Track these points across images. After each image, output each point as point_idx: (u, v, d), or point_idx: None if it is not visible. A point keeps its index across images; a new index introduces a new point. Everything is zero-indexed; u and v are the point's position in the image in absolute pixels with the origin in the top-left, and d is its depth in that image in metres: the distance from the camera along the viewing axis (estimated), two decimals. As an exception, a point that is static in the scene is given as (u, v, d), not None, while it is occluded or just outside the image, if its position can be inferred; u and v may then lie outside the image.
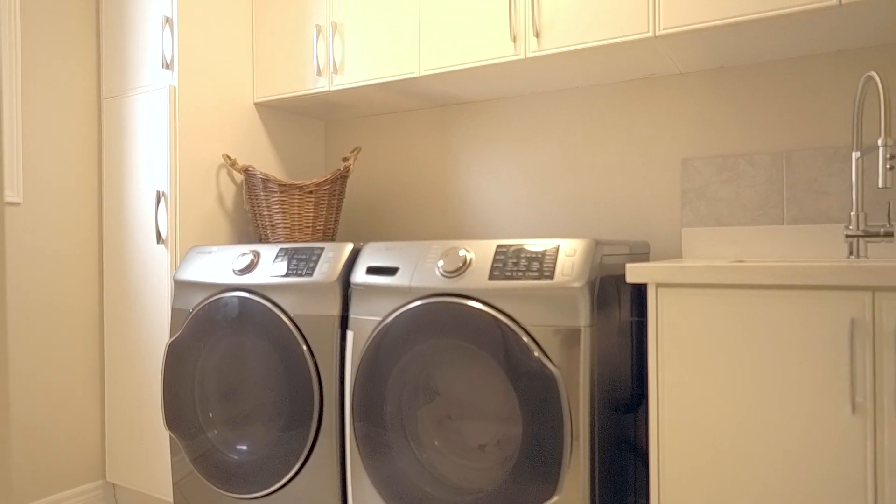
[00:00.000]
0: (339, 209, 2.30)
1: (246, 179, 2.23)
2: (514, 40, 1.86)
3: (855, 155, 1.66)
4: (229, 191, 2.28)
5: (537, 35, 1.83)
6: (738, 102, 1.93)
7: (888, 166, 1.47)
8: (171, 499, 2.13)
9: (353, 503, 1.70)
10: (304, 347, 1.75)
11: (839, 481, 1.22)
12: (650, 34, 1.68)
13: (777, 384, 1.27)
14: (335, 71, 2.18)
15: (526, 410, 1.44)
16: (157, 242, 2.13)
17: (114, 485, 2.34)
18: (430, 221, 2.47)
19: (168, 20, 2.11)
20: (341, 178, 2.25)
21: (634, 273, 1.41)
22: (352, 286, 1.73)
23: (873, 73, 1.51)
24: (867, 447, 1.20)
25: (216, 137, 2.23)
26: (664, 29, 1.66)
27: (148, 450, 2.16)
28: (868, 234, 1.62)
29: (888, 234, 1.60)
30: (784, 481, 1.27)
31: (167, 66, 2.11)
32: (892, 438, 1.18)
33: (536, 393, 1.42)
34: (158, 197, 2.11)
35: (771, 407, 1.28)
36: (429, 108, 2.47)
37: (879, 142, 1.48)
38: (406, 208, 2.52)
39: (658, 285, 1.39)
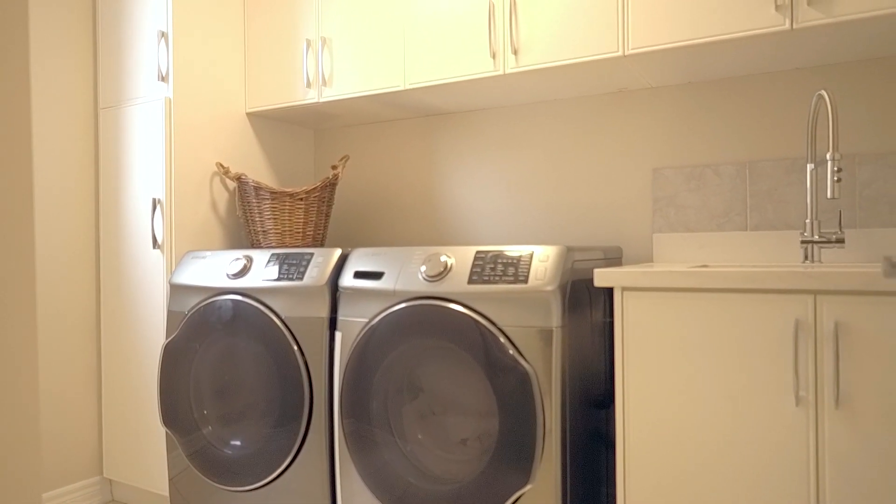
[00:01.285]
0: (328, 215, 2.40)
1: (238, 187, 2.33)
2: (494, 57, 1.97)
3: (809, 167, 1.78)
4: (222, 198, 2.37)
5: (515, 52, 1.94)
6: (705, 116, 2.05)
7: (836, 178, 1.59)
8: (166, 493, 2.22)
9: (342, 494, 1.80)
10: (295, 348, 1.85)
11: (786, 466, 1.34)
12: (619, 53, 1.80)
13: (730, 380, 1.39)
14: (324, 83, 2.28)
15: (502, 405, 1.55)
16: (154, 247, 2.22)
17: (110, 480, 2.42)
18: (415, 227, 2.58)
19: (164, 35, 2.20)
20: (330, 185, 2.35)
21: (602, 278, 1.52)
22: (340, 289, 1.83)
23: (823, 92, 1.63)
24: (809, 436, 1.32)
25: (210, 146, 2.32)
26: (632, 49, 1.78)
27: (144, 446, 2.25)
28: (821, 241, 1.75)
29: (839, 241, 1.72)
30: (738, 468, 1.38)
31: (162, 79, 2.21)
32: (831, 428, 1.30)
33: (512, 389, 1.53)
34: (154, 204, 2.20)
35: (725, 400, 1.39)
36: (413, 118, 2.57)
37: (828, 156, 1.60)
38: (392, 214, 2.63)
39: (623, 289, 1.51)
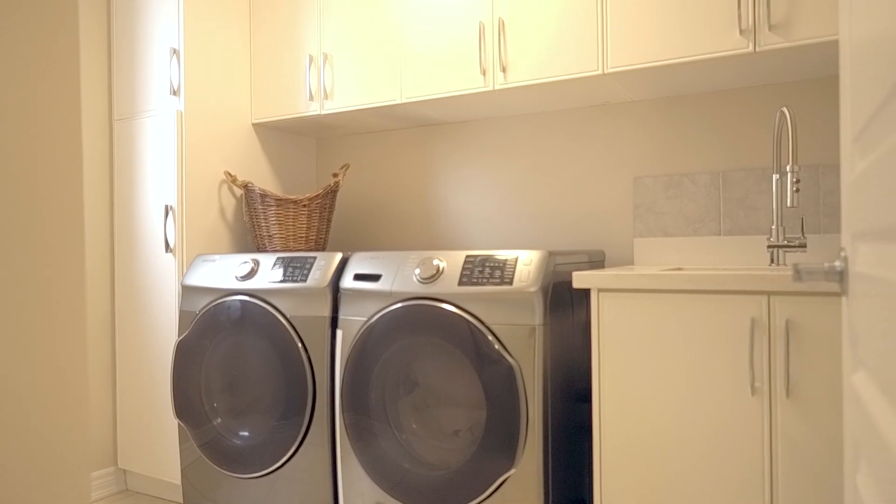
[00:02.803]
0: (329, 221, 2.55)
1: (245, 194, 2.47)
2: (484, 74, 2.12)
3: (774, 177, 1.92)
4: (230, 204, 2.52)
5: (503, 70, 2.08)
6: (681, 128, 2.20)
7: (795, 188, 1.73)
8: (178, 482, 2.36)
9: (343, 481, 1.95)
10: (300, 345, 1.99)
11: (744, 449, 1.48)
12: (599, 72, 1.94)
13: (695, 373, 1.53)
14: (326, 96, 2.43)
15: (489, 396, 1.69)
16: (166, 251, 2.36)
17: (125, 470, 2.57)
18: (411, 231, 2.72)
19: (175, 51, 2.35)
20: (332, 192, 2.50)
21: (580, 280, 1.67)
22: (341, 290, 1.97)
23: (784, 110, 1.78)
24: (764, 422, 1.46)
25: (218, 156, 2.47)
26: (611, 67, 1.92)
27: (157, 438, 2.40)
28: (786, 245, 1.89)
29: (802, 246, 1.87)
30: (701, 452, 1.53)
31: (174, 93, 2.35)
32: (783, 415, 1.44)
33: (498, 381, 1.68)
34: (167, 210, 2.35)
35: (690, 392, 1.54)
36: (410, 128, 2.72)
37: (788, 168, 1.75)
38: (389, 219, 2.77)
39: (599, 290, 1.65)
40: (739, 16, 1.72)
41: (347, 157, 2.89)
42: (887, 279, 0.56)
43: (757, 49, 1.72)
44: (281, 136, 2.75)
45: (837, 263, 0.84)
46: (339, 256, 2.03)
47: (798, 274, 0.80)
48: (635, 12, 1.88)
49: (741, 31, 1.74)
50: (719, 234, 2.12)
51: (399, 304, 1.83)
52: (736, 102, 2.11)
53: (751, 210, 2.08)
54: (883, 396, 0.59)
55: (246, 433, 2.11)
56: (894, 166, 0.51)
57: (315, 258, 2.05)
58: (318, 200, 2.45)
